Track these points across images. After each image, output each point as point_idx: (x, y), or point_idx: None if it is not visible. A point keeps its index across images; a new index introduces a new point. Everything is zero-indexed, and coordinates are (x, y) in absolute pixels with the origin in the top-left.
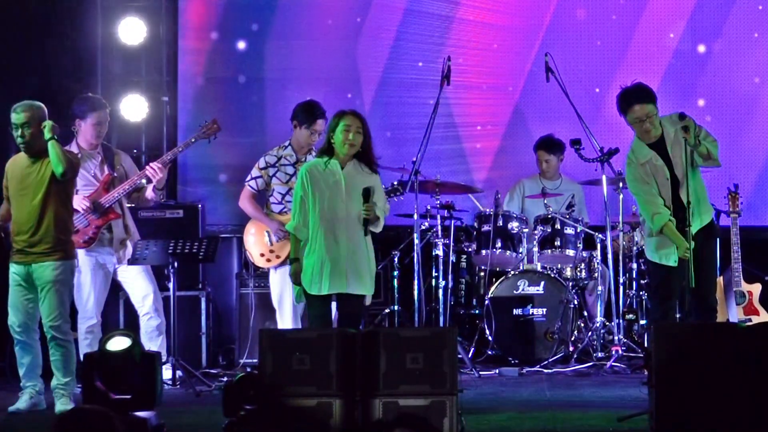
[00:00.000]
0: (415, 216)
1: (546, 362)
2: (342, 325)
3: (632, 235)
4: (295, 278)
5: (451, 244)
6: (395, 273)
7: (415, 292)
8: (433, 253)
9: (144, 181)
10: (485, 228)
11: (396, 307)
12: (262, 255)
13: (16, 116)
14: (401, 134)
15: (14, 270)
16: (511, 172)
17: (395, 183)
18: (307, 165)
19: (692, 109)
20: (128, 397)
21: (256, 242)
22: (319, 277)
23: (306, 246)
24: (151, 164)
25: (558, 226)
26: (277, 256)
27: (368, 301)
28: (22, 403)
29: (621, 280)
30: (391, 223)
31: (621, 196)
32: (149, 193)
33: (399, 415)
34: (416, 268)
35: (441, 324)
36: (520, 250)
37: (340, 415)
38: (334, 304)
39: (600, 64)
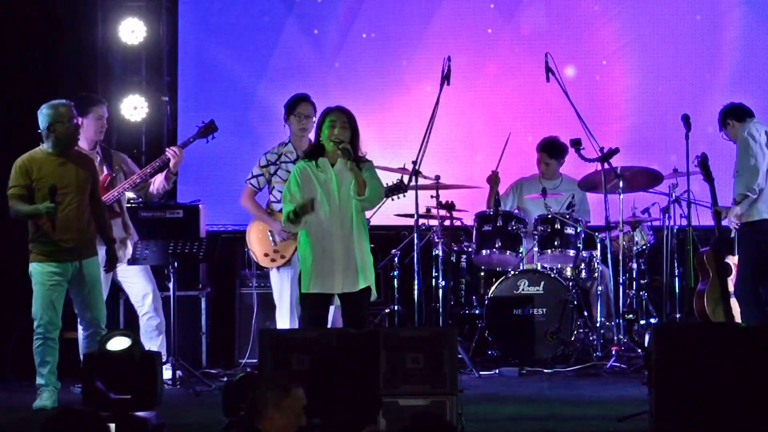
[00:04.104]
0: (415, 216)
1: (546, 362)
2: (346, 325)
3: (632, 235)
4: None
5: (451, 244)
6: (395, 273)
7: (415, 292)
8: (433, 253)
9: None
10: (485, 228)
11: (396, 307)
12: (266, 255)
13: (64, 109)
14: (401, 134)
15: (54, 269)
16: (512, 171)
17: (397, 180)
18: (298, 164)
19: (688, 98)
20: (128, 397)
21: (260, 242)
22: (310, 276)
23: (302, 242)
24: (170, 147)
25: (558, 226)
26: (282, 256)
27: (373, 296)
28: (47, 400)
29: (621, 280)
30: (391, 223)
31: (621, 196)
32: (159, 182)
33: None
34: (416, 268)
35: (441, 324)
36: (520, 250)
37: None
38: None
39: (601, 63)
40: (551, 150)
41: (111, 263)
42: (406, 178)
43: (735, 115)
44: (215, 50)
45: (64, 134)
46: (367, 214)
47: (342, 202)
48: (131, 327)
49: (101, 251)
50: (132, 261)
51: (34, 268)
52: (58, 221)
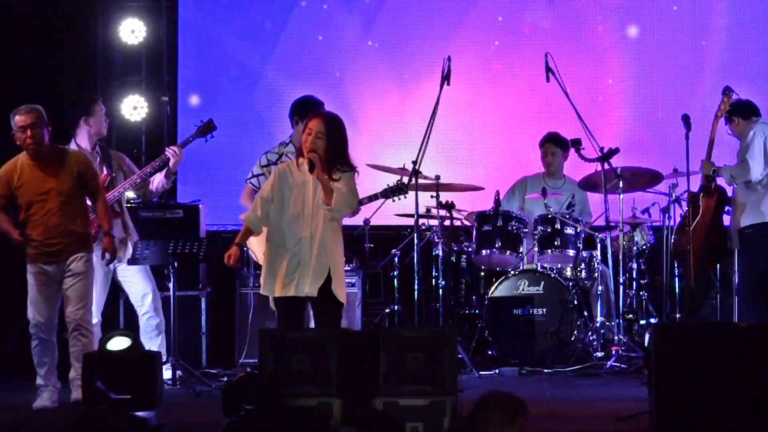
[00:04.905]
0: (415, 216)
1: (546, 362)
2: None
3: (632, 235)
4: (228, 259)
5: (451, 244)
6: (395, 273)
7: (415, 292)
8: (433, 253)
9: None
10: (485, 228)
11: (396, 307)
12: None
13: (23, 117)
14: (401, 134)
15: (42, 270)
16: (512, 172)
17: (398, 181)
18: (281, 165)
19: (688, 97)
20: (128, 397)
21: (260, 241)
22: (277, 279)
23: (268, 244)
24: (170, 146)
25: (558, 226)
26: None
27: (342, 298)
28: (47, 400)
29: (621, 280)
30: (391, 223)
31: (621, 196)
32: (159, 180)
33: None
34: (416, 268)
35: (441, 324)
36: (520, 250)
37: (340, 415)
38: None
39: (599, 63)
40: (555, 139)
41: (111, 256)
42: (405, 179)
43: (741, 112)
44: (215, 50)
45: (22, 143)
46: (368, 213)
47: (315, 208)
48: (131, 327)
49: (99, 250)
50: (132, 261)
51: (28, 269)
52: (42, 228)
